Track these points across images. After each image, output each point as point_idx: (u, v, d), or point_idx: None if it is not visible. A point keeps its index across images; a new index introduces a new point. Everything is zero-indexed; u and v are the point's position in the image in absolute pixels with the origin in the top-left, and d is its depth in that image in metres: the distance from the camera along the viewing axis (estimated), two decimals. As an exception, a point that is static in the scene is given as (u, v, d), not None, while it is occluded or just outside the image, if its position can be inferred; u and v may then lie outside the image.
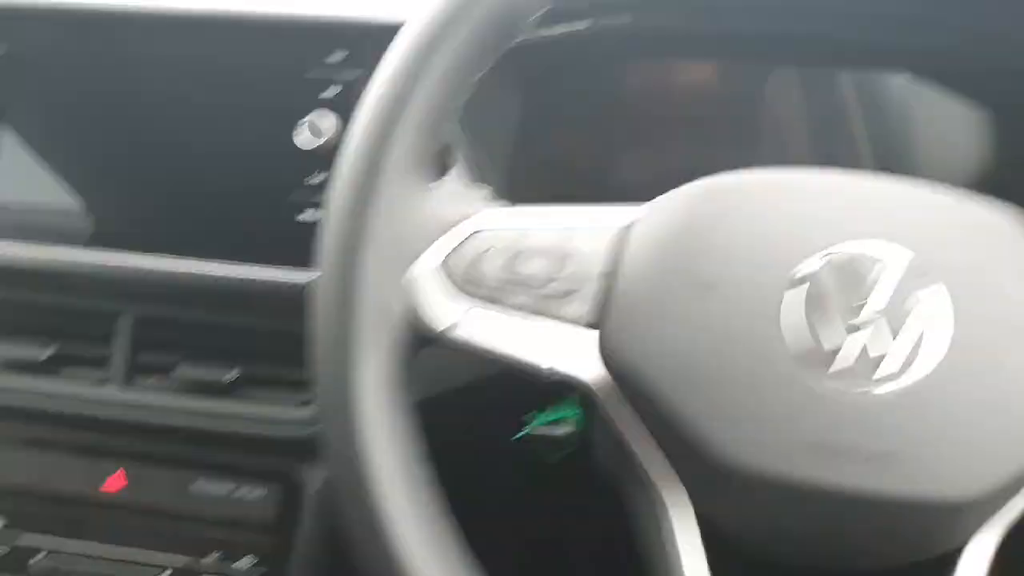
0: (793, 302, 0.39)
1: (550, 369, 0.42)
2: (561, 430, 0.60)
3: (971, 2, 0.67)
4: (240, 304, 0.63)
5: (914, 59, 0.73)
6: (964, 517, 0.39)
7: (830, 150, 0.77)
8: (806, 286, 0.39)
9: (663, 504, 0.41)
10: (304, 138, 0.63)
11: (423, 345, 0.43)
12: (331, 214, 0.42)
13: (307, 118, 0.63)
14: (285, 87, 0.65)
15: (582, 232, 0.43)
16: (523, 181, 0.75)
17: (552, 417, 0.61)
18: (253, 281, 0.62)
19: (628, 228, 0.43)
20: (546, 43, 0.72)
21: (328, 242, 0.42)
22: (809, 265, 0.39)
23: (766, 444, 0.38)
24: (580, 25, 0.71)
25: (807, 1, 0.68)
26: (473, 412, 0.68)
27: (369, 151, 0.42)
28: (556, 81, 0.77)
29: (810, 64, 0.74)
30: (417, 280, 0.42)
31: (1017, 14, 0.66)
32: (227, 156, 0.66)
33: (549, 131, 0.78)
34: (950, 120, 0.75)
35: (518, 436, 0.63)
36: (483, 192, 0.49)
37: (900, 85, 0.74)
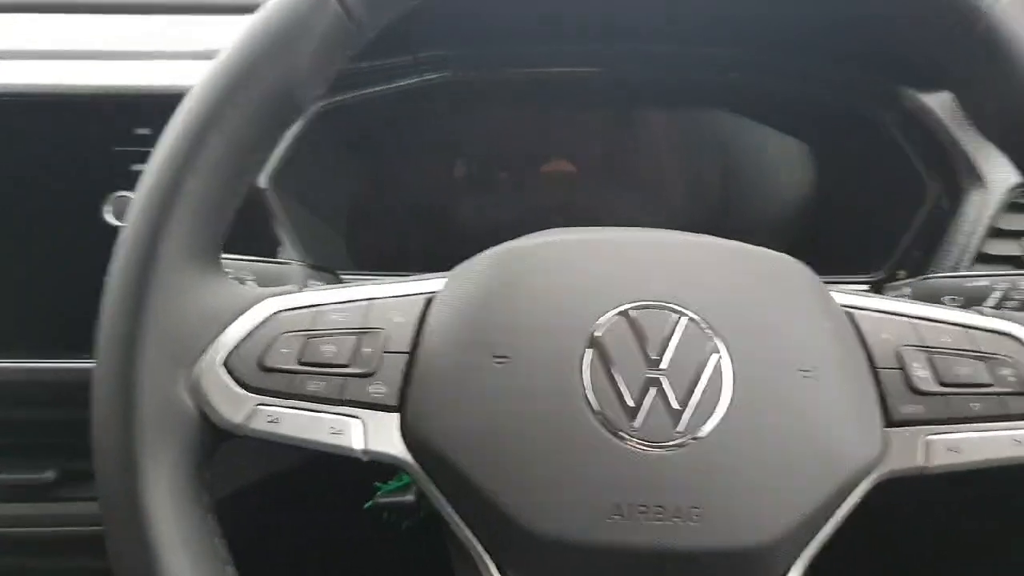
0: (594, 360, 0.39)
1: (363, 451, 0.40)
2: (409, 496, 0.59)
3: (792, 47, 0.71)
4: (37, 398, 0.59)
5: (736, 97, 0.76)
6: (769, 561, 0.40)
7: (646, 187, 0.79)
8: (605, 343, 0.39)
9: (481, 569, 0.40)
10: (113, 213, 0.60)
11: (218, 442, 0.41)
12: (106, 305, 0.40)
13: (114, 195, 0.60)
14: (94, 161, 0.62)
15: (381, 307, 0.42)
16: (364, 241, 0.74)
17: (396, 485, 0.59)
18: (43, 370, 0.58)
19: (429, 301, 0.43)
20: (374, 99, 0.72)
21: (104, 336, 0.39)
22: (607, 322, 0.40)
23: (569, 509, 0.38)
24: (404, 81, 0.71)
25: (621, 45, 0.71)
26: (322, 485, 0.66)
27: (142, 240, 0.40)
28: (390, 134, 0.76)
29: (630, 107, 0.76)
30: (204, 375, 0.40)
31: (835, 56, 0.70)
32: (36, 234, 0.62)
33: (387, 186, 0.77)
34: (773, 153, 0.79)
35: (367, 505, 0.61)
36: (288, 269, 0.47)
37: (721, 121, 0.77)
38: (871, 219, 0.70)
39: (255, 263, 0.53)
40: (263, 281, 0.53)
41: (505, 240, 0.44)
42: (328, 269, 0.59)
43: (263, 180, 0.64)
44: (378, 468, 0.42)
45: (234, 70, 0.40)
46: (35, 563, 0.62)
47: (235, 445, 0.41)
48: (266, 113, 0.41)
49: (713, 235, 0.45)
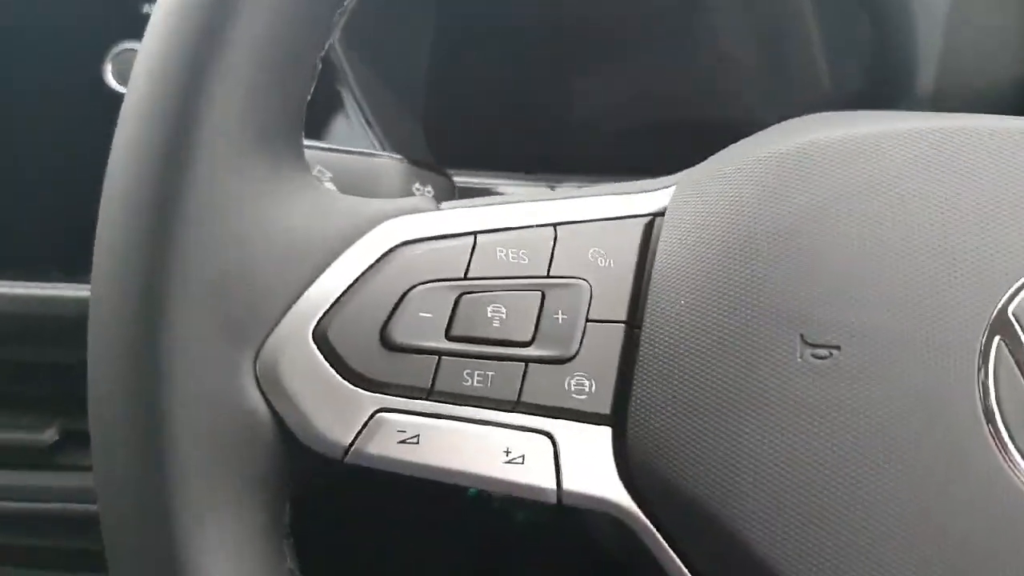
0: (1004, 355, 0.21)
1: (555, 492, 0.23)
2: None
3: None
4: (29, 333, 0.42)
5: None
6: None
7: (781, 54, 0.59)
8: (1019, 326, 0.21)
9: None
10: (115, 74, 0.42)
11: (309, 475, 0.24)
12: (104, 229, 0.22)
13: (117, 48, 0.41)
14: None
15: (574, 239, 0.24)
16: (446, 122, 0.54)
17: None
18: (35, 298, 0.41)
19: (649, 226, 0.25)
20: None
21: (104, 286, 0.22)
22: None
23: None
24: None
25: None
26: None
27: (165, 112, 0.22)
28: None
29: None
30: (283, 357, 0.23)
31: None
32: (20, 104, 0.44)
33: (468, 56, 0.57)
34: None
35: (472, 491, 0.45)
36: (381, 165, 0.29)
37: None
38: None
39: (331, 152, 0.35)
40: (344, 183, 0.35)
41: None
42: (438, 168, 0.40)
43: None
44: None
45: None
46: (32, 542, 0.47)
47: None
48: None
49: None
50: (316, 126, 0.48)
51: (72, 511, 0.45)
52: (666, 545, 0.23)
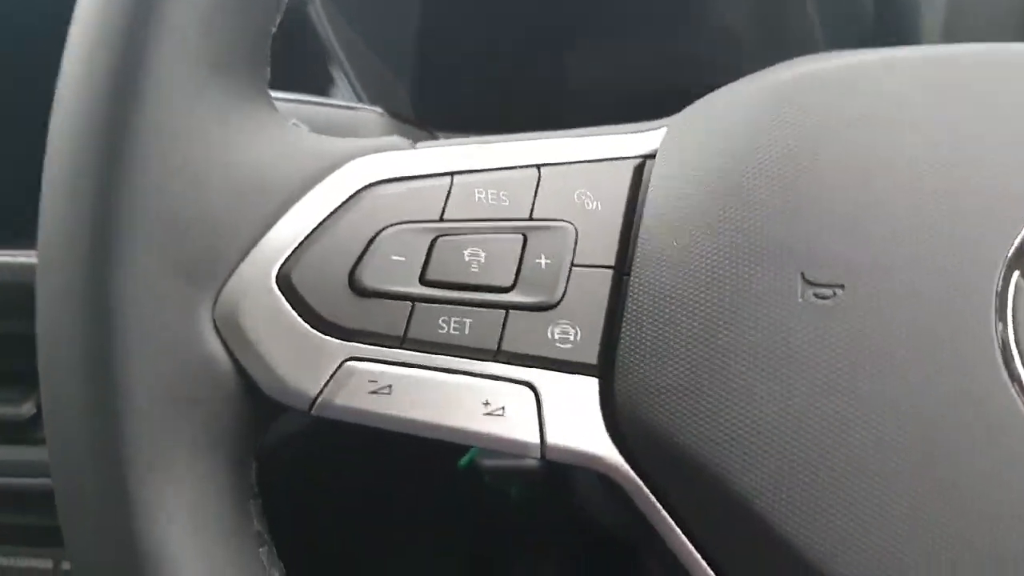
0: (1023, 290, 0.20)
1: (539, 446, 0.22)
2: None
3: None
4: (9, 303, 0.40)
5: None
6: None
7: (780, 27, 0.57)
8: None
9: None
10: None
11: (269, 424, 0.23)
12: (49, 172, 0.21)
13: None
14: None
15: (559, 180, 0.23)
16: (432, 83, 0.52)
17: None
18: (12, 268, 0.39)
19: (639, 168, 0.23)
20: None
21: (50, 227, 0.21)
22: None
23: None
24: None
25: None
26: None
27: (117, 44, 0.20)
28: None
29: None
30: (244, 302, 0.21)
31: None
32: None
33: (458, 19, 0.55)
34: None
35: (463, 462, 0.44)
36: (357, 116, 0.28)
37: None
38: None
39: (307, 104, 0.34)
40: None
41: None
42: (420, 123, 0.38)
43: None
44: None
45: None
46: (11, 519, 0.46)
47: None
48: None
49: None
50: (298, 87, 0.46)
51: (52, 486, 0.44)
52: (655, 501, 0.22)
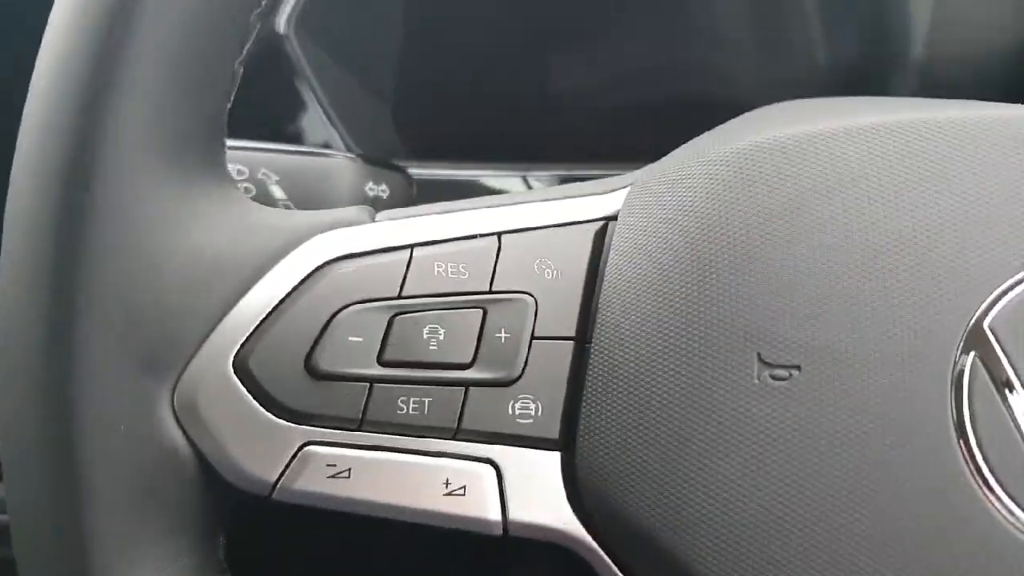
0: (979, 376, 0.20)
1: (501, 523, 0.22)
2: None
3: None
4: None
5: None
6: None
7: (775, 28, 0.57)
8: (1004, 342, 0.20)
9: None
10: None
11: (230, 514, 0.23)
12: (6, 263, 0.20)
13: None
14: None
15: (519, 249, 0.23)
16: (411, 112, 0.52)
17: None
18: None
19: (601, 233, 0.23)
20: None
21: (7, 321, 0.20)
22: (1013, 299, 0.20)
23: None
24: None
25: None
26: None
27: (69, 135, 0.20)
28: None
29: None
30: (202, 389, 0.21)
31: None
32: None
33: (438, 38, 0.55)
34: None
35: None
36: (333, 164, 0.28)
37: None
38: None
39: (278, 153, 0.33)
40: (293, 186, 0.33)
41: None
42: (394, 165, 0.38)
43: (282, 23, 0.43)
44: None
45: None
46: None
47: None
48: None
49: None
50: (272, 123, 0.46)
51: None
52: (619, 574, 0.22)
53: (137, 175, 0.20)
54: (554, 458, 0.22)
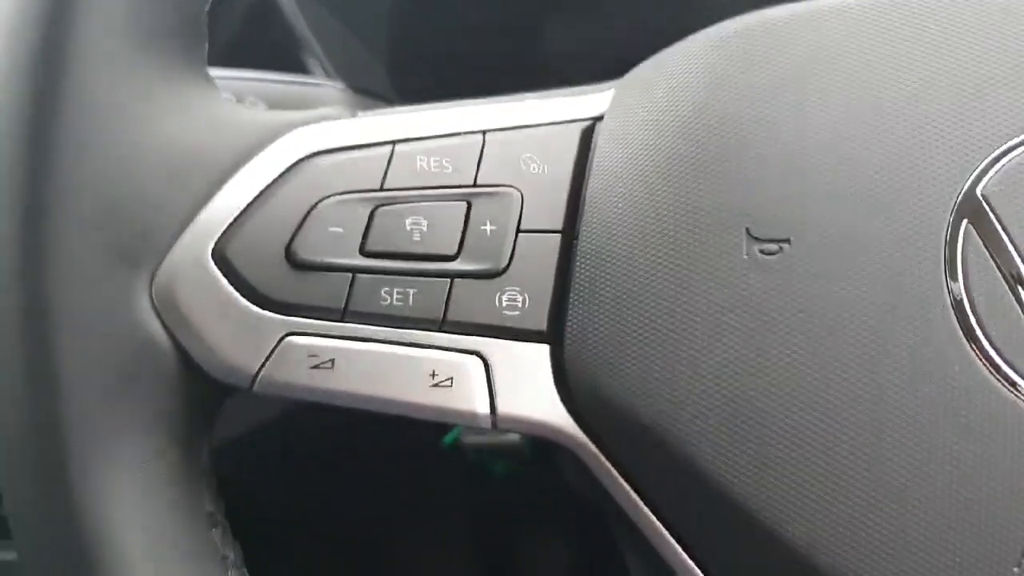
0: (974, 244, 0.19)
1: (489, 417, 0.21)
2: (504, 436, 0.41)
3: None
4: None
5: None
6: None
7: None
8: (1001, 210, 0.19)
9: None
10: None
11: (218, 404, 0.22)
12: None
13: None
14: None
15: (503, 146, 0.22)
16: (409, 59, 0.52)
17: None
18: None
19: (588, 132, 0.23)
20: None
21: None
22: (1006, 167, 0.19)
23: (926, 552, 0.19)
24: None
25: None
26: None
27: (42, 16, 0.20)
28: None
29: None
30: (181, 279, 0.21)
31: None
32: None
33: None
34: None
35: (448, 440, 0.43)
36: (319, 92, 0.27)
37: None
38: None
39: (264, 82, 0.33)
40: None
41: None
42: (382, 96, 0.38)
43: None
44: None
45: None
46: None
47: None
48: None
49: None
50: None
51: None
52: (611, 468, 0.21)
53: (111, 64, 0.20)
54: (543, 351, 0.21)
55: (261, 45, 0.44)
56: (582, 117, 0.23)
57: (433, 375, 0.21)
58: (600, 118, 0.23)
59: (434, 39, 0.53)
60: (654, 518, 0.21)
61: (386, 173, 0.22)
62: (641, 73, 0.23)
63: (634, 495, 0.21)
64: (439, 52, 0.53)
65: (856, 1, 0.21)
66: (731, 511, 0.19)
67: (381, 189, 0.22)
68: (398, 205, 0.21)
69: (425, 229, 0.21)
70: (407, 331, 0.21)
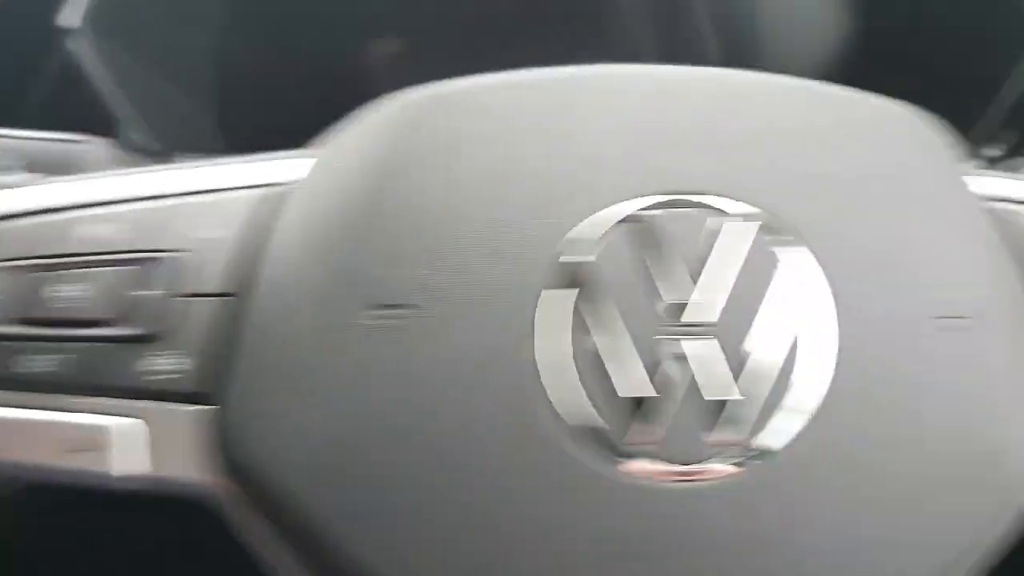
0: (556, 308, 0.21)
1: (123, 477, 0.22)
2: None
3: None
4: None
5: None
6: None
7: (669, 43, 0.58)
8: (585, 276, 0.21)
9: None
10: None
11: None
12: None
13: None
14: None
15: (179, 211, 0.23)
16: (240, 112, 0.52)
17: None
18: None
19: (272, 200, 0.23)
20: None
21: None
22: (591, 234, 0.21)
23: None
24: None
25: None
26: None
27: None
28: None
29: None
30: None
31: None
32: None
33: (268, 25, 0.54)
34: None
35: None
36: (83, 150, 0.28)
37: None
38: (956, 69, 0.50)
39: (25, 140, 0.33)
40: (44, 172, 0.33)
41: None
42: (159, 151, 0.38)
43: (75, 16, 0.42)
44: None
45: None
46: None
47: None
48: None
49: None
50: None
51: None
52: (259, 533, 0.22)
53: None
54: (201, 412, 0.22)
55: (79, 105, 0.44)
56: (266, 183, 0.24)
57: (84, 439, 0.21)
58: (275, 184, 0.23)
59: (260, 87, 0.53)
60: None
61: (42, 240, 0.22)
62: (332, 146, 0.24)
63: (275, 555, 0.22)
64: (267, 99, 0.54)
65: (526, 77, 0.23)
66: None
67: (46, 256, 0.22)
68: (60, 270, 0.22)
69: (79, 294, 0.22)
70: (54, 396, 0.21)
